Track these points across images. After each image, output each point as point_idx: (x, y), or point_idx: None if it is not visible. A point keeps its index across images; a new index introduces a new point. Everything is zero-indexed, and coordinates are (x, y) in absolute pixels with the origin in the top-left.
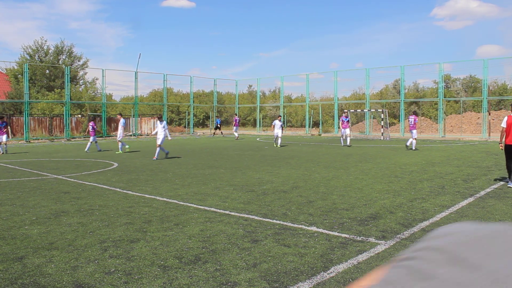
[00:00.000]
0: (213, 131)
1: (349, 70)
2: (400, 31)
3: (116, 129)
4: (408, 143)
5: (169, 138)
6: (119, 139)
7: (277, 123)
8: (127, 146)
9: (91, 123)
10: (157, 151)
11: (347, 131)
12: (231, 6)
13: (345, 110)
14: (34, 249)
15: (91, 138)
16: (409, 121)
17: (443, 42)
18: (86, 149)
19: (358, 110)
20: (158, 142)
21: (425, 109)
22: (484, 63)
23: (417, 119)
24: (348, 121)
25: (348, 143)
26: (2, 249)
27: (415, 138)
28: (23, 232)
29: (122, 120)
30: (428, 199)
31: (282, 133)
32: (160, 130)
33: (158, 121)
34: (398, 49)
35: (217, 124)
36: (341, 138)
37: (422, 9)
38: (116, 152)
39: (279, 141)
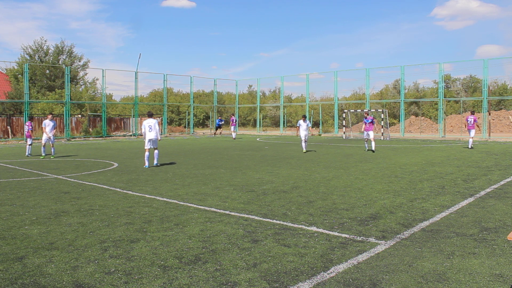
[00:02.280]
0: (213, 131)
1: (349, 70)
2: (400, 31)
3: (116, 129)
4: (470, 145)
5: (159, 138)
6: (45, 142)
7: (302, 123)
8: (42, 156)
9: (27, 124)
10: (156, 155)
11: (371, 134)
12: (231, 6)
13: (365, 110)
14: (34, 249)
15: (29, 141)
16: (468, 121)
17: (443, 42)
18: (26, 153)
19: (358, 110)
20: (155, 144)
21: (425, 109)
22: (484, 63)
23: (477, 119)
24: (372, 122)
25: (372, 148)
26: (2, 249)
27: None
28: (23, 232)
29: (51, 122)
30: (428, 199)
31: (308, 135)
32: (154, 129)
33: (150, 118)
34: (398, 49)
35: (219, 123)
36: (365, 143)
37: (422, 9)
38: (51, 157)
39: (304, 144)
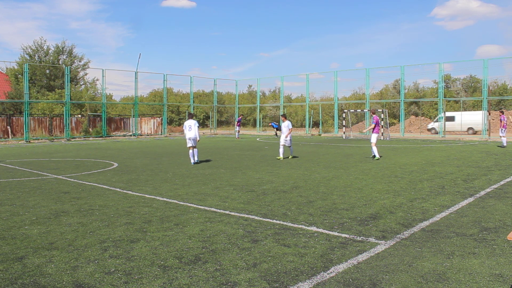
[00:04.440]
0: (275, 132)
1: (349, 70)
2: (400, 31)
3: (116, 129)
4: (505, 143)
5: (198, 138)
6: None
7: (282, 125)
8: None
9: None
10: (196, 153)
11: (372, 137)
12: (231, 6)
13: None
14: (34, 249)
15: None
16: (504, 120)
17: (443, 42)
18: None
19: (358, 110)
20: (195, 143)
21: (425, 109)
22: (484, 63)
23: (506, 118)
24: (376, 124)
25: (376, 154)
26: (2, 249)
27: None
28: (23, 232)
29: None
30: (428, 199)
31: (287, 137)
32: (193, 129)
33: (191, 119)
34: (398, 49)
35: (277, 126)
36: (372, 147)
37: (422, 9)
38: None
39: (281, 150)
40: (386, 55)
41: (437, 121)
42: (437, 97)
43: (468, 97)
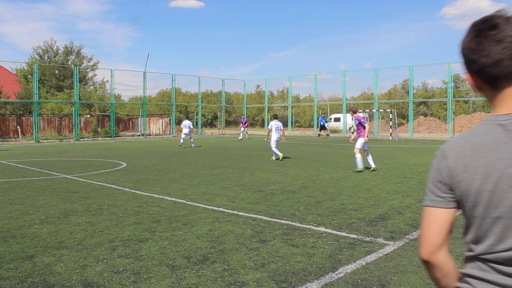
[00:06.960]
0: (318, 132)
1: (358, 70)
2: (409, 31)
3: (125, 129)
4: None
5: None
6: None
7: (273, 125)
8: None
9: None
10: (183, 141)
11: (358, 142)
12: (240, 6)
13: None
14: (43, 248)
15: None
16: None
17: (452, 42)
18: None
19: (366, 110)
20: (188, 135)
21: (434, 110)
22: None
23: None
24: (360, 125)
25: (358, 164)
26: (13, 248)
27: None
28: (32, 231)
29: None
30: None
31: (277, 140)
32: (187, 127)
33: (186, 120)
34: (407, 49)
35: (323, 123)
36: (355, 155)
37: (431, 8)
38: None
39: (275, 153)
40: (395, 55)
41: (328, 121)
42: (446, 97)
43: (478, 97)
